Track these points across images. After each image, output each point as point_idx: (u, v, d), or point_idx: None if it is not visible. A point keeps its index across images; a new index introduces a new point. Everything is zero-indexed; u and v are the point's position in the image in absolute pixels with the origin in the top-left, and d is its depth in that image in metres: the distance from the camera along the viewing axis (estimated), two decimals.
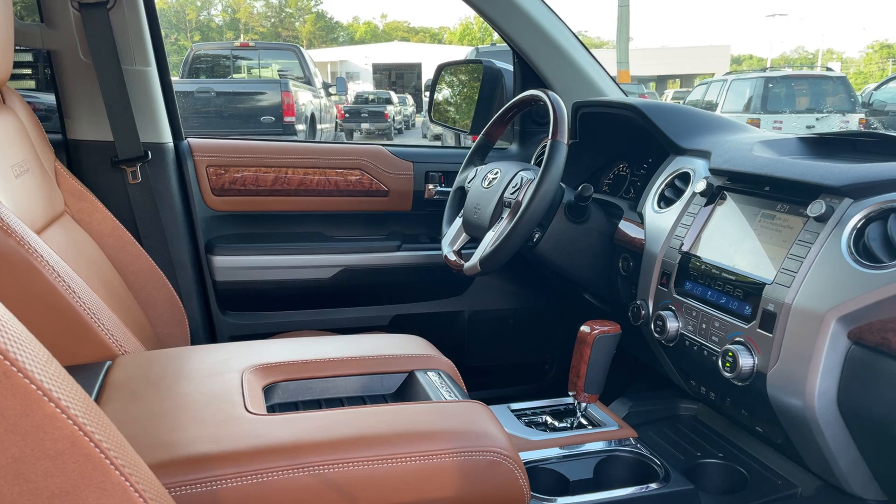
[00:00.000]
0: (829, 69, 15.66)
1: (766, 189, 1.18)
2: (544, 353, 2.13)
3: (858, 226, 0.99)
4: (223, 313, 1.87)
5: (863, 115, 11.04)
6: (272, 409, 1.00)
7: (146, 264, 1.51)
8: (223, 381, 0.95)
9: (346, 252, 1.88)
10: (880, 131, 1.28)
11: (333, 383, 1.04)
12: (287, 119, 8.28)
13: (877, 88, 13.25)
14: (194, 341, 1.74)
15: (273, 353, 1.07)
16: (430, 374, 1.06)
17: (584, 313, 1.64)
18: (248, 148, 1.85)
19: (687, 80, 40.52)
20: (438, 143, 12.97)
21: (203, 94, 8.41)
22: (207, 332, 1.85)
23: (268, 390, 1.00)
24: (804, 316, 1.00)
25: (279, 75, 10.35)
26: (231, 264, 1.82)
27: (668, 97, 24.76)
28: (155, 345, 1.47)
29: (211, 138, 1.88)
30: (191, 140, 1.84)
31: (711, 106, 11.82)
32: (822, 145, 1.34)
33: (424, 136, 17.72)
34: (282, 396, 1.03)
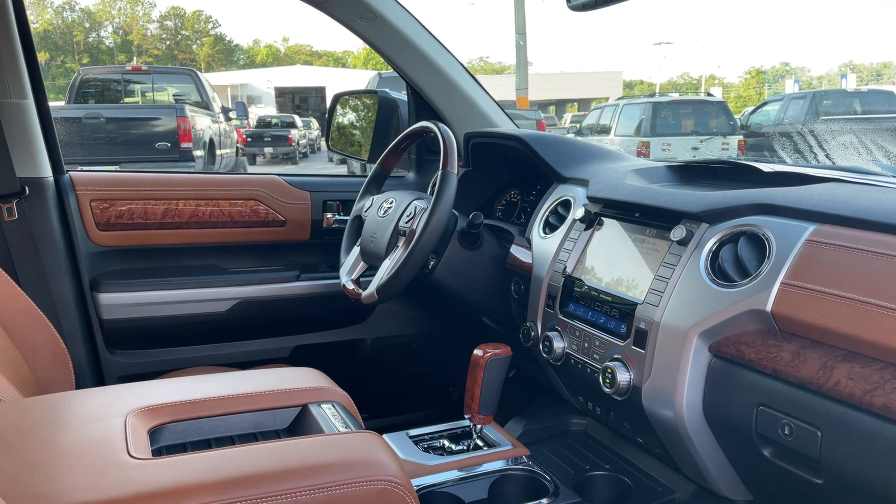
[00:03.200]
0: (710, 94, 16.81)
1: (637, 215, 1.27)
2: (447, 376, 2.17)
3: (714, 248, 1.09)
4: (111, 353, 1.79)
5: (741, 137, 11.91)
6: (158, 452, 0.97)
7: (24, 305, 1.43)
8: (105, 427, 0.93)
9: (242, 284, 1.85)
10: (735, 160, 1.41)
11: (224, 422, 1.03)
12: (184, 145, 8.02)
13: (753, 112, 14.36)
14: (80, 383, 1.66)
15: (159, 394, 1.05)
16: (323, 406, 1.07)
17: (482, 336, 1.69)
18: (135, 180, 1.80)
19: (584, 104, 42.34)
20: (344, 167, 12.91)
21: (91, 120, 8.03)
22: (94, 373, 1.77)
23: (154, 433, 0.98)
24: (671, 333, 1.08)
25: (175, 100, 10.02)
26: (119, 301, 1.75)
27: (566, 121, 25.77)
28: (35, 390, 1.40)
29: (95, 170, 1.82)
30: (73, 173, 1.77)
31: (606, 129, 12.42)
32: (687, 173, 1.46)
33: (331, 160, 17.60)
34: (169, 438, 1.01)
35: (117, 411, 0.98)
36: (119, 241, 1.79)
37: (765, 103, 14.74)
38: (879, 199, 0.99)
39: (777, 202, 1.05)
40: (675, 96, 13.86)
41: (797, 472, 0.95)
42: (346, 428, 1.00)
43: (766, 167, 1.28)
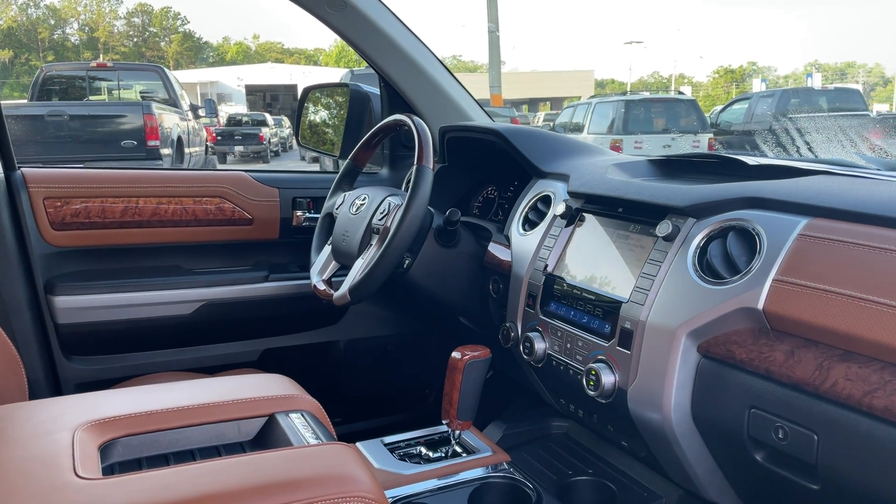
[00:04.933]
0: (681, 93, 17.02)
1: (620, 210, 1.22)
2: (424, 378, 2.11)
3: (701, 244, 1.04)
4: (68, 359, 1.70)
5: (711, 135, 12.04)
6: (110, 470, 0.90)
7: None
8: (50, 443, 0.85)
9: (207, 285, 1.76)
10: (721, 153, 1.37)
11: (183, 434, 0.96)
12: (151, 143, 7.82)
13: (723, 110, 14.56)
14: (35, 393, 1.57)
15: (113, 406, 0.97)
16: (292, 416, 1.00)
17: (460, 337, 1.63)
18: (92, 177, 1.71)
19: (556, 102, 42.59)
20: (317, 166, 12.77)
21: (55, 117, 7.79)
22: (50, 381, 1.67)
23: (105, 449, 0.90)
24: (657, 332, 1.03)
25: (142, 97, 9.80)
26: (76, 304, 1.66)
27: (539, 119, 25.88)
28: None
29: (50, 167, 1.72)
30: (25, 170, 1.67)
31: (579, 127, 12.47)
32: (670, 167, 1.42)
33: (303, 159, 17.40)
34: (122, 454, 0.93)
35: (66, 425, 0.90)
36: (75, 241, 1.69)
37: (734, 101, 14.95)
38: (871, 191, 0.95)
39: (767, 195, 1.01)
40: (647, 95, 13.98)
41: (791, 478, 0.91)
42: (316, 439, 0.94)
43: (751, 160, 1.24)
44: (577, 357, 1.19)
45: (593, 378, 1.11)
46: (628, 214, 1.20)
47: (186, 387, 1.06)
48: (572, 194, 1.35)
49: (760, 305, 0.92)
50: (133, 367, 1.73)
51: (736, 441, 0.96)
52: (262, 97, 38.60)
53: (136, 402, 0.98)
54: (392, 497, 1.16)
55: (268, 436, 0.99)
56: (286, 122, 25.16)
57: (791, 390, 0.88)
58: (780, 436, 0.89)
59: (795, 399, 0.87)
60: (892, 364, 0.79)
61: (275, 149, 20.60)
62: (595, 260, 1.22)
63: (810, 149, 1.44)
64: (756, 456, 0.94)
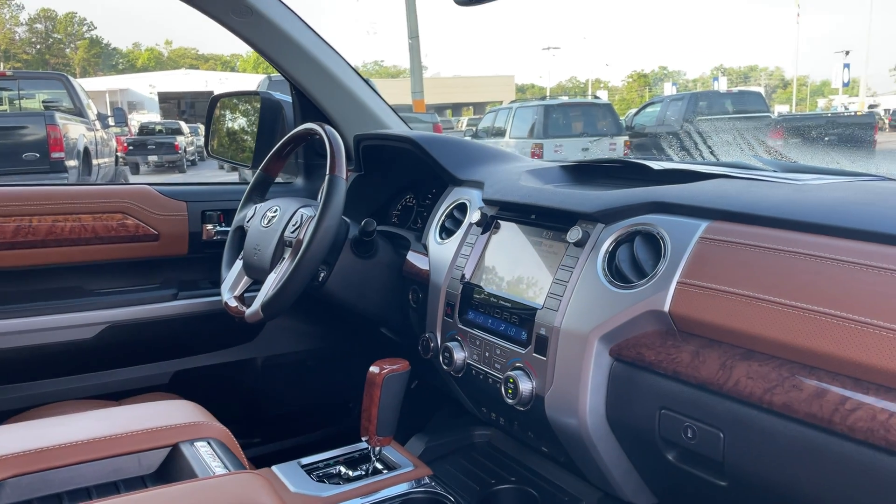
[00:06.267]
0: (597, 97, 17.54)
1: (533, 217, 1.23)
2: (346, 392, 2.06)
3: (610, 249, 1.06)
4: None
5: (627, 138, 12.47)
6: None
7: None
8: None
9: (111, 306, 1.67)
10: (629, 158, 1.40)
11: (78, 471, 0.89)
12: (55, 155, 7.40)
13: (637, 113, 15.10)
14: None
15: (1, 443, 0.89)
16: (197, 444, 0.95)
17: (381, 349, 1.61)
18: None
19: (479, 107, 43.13)
20: (235, 175, 12.43)
21: None
22: None
23: None
24: (571, 338, 1.04)
25: (45, 107, 9.27)
26: None
27: (463, 123, 26.11)
28: None
29: None
30: None
31: (501, 132, 12.66)
32: (581, 172, 1.44)
33: (221, 168, 16.90)
34: (11, 496, 0.86)
35: None
36: None
37: (647, 105, 15.54)
38: (766, 193, 0.99)
39: (669, 199, 1.04)
40: (565, 99, 14.33)
41: (701, 476, 0.93)
42: (223, 469, 0.89)
43: (655, 165, 1.27)
44: (496, 365, 1.18)
45: (511, 386, 1.11)
46: (541, 221, 1.21)
47: (83, 419, 1.00)
48: (487, 202, 1.35)
49: (666, 308, 0.94)
50: (31, 398, 1.61)
51: (648, 442, 0.98)
52: (177, 105, 37.29)
53: (25, 439, 0.90)
54: None
55: (171, 468, 0.93)
56: (203, 130, 24.38)
57: (698, 390, 0.90)
58: (689, 435, 0.91)
59: (702, 398, 0.89)
60: (789, 361, 0.82)
61: (191, 158, 19.94)
62: (511, 267, 1.23)
63: (712, 152, 1.50)
64: (668, 456, 0.96)
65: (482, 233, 1.32)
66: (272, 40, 1.73)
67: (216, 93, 2.23)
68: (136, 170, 16.85)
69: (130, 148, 16.81)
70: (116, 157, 11.60)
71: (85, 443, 0.90)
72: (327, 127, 1.43)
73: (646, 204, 1.06)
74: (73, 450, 0.89)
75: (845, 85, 30.05)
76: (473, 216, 1.33)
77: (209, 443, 0.96)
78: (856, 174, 1.16)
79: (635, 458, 1.06)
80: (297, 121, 1.91)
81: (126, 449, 0.92)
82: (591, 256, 1.07)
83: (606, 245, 1.06)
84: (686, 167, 1.23)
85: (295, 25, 1.72)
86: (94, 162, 9.03)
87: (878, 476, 0.72)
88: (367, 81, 1.91)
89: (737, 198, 0.99)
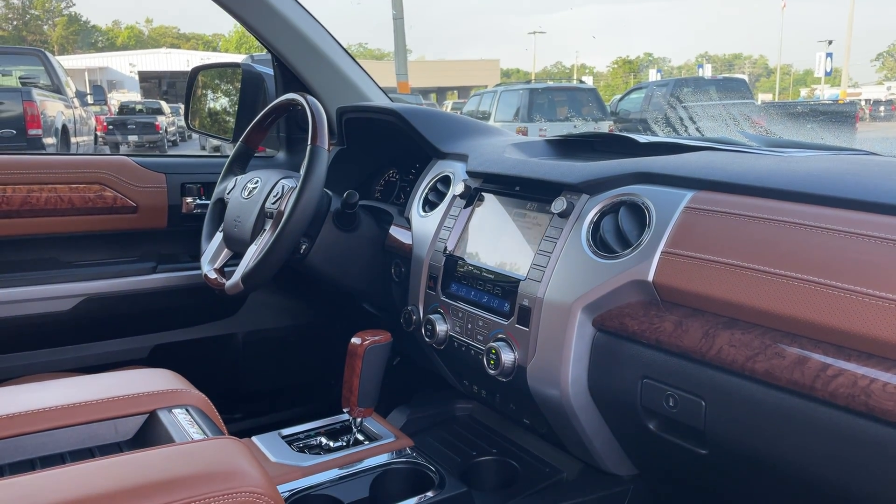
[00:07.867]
0: (582, 82, 17.52)
1: (517, 189, 1.22)
2: (328, 368, 2.05)
3: (595, 219, 1.05)
4: None
5: (611, 123, 12.48)
6: None
7: None
8: None
9: (88, 279, 1.64)
10: (612, 132, 1.39)
11: (52, 437, 0.87)
12: (32, 132, 7.26)
13: (621, 99, 15.10)
14: None
15: None
16: (175, 411, 0.93)
17: (363, 324, 1.59)
18: None
19: (464, 91, 42.88)
20: (217, 154, 12.28)
21: None
22: None
23: None
24: (554, 308, 1.03)
25: (21, 83, 9.08)
26: None
27: (448, 107, 25.99)
28: None
29: None
30: None
31: (485, 115, 12.60)
32: (566, 146, 1.43)
33: (203, 148, 16.68)
34: None
35: None
36: None
37: (631, 91, 15.54)
38: (752, 164, 0.98)
39: (654, 170, 1.03)
40: (550, 84, 14.29)
41: (682, 444, 0.94)
42: (201, 435, 0.88)
43: (641, 138, 1.27)
44: (478, 337, 1.18)
45: (493, 357, 1.10)
46: (525, 193, 1.20)
47: (58, 386, 0.98)
48: (471, 174, 1.33)
49: (650, 277, 0.94)
50: (5, 371, 1.59)
51: (630, 412, 0.98)
52: (158, 84, 36.64)
53: None
54: (290, 489, 1.11)
55: (148, 434, 0.92)
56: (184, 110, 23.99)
57: (680, 359, 0.90)
58: (670, 404, 0.91)
59: (684, 367, 0.89)
60: (771, 329, 0.82)
61: (172, 138, 19.67)
62: (494, 239, 1.22)
63: (698, 130, 1.49)
64: (649, 425, 0.96)
65: (466, 205, 1.31)
66: (254, 9, 1.69)
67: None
68: (115, 149, 16.57)
69: (110, 127, 16.53)
70: (96, 136, 11.42)
71: (59, 408, 0.88)
72: (309, 97, 1.41)
73: (631, 174, 1.05)
74: (47, 415, 0.87)
75: (828, 74, 30.26)
76: (457, 188, 1.32)
77: (188, 410, 0.94)
78: (841, 148, 1.16)
79: (616, 429, 1.07)
80: (279, 93, 1.87)
81: (102, 415, 0.90)
82: (576, 227, 1.06)
83: (591, 216, 1.06)
84: (672, 140, 1.22)
85: None
86: (73, 140, 8.87)
87: (858, 441, 0.73)
88: (350, 55, 1.88)
89: (722, 168, 0.98)
